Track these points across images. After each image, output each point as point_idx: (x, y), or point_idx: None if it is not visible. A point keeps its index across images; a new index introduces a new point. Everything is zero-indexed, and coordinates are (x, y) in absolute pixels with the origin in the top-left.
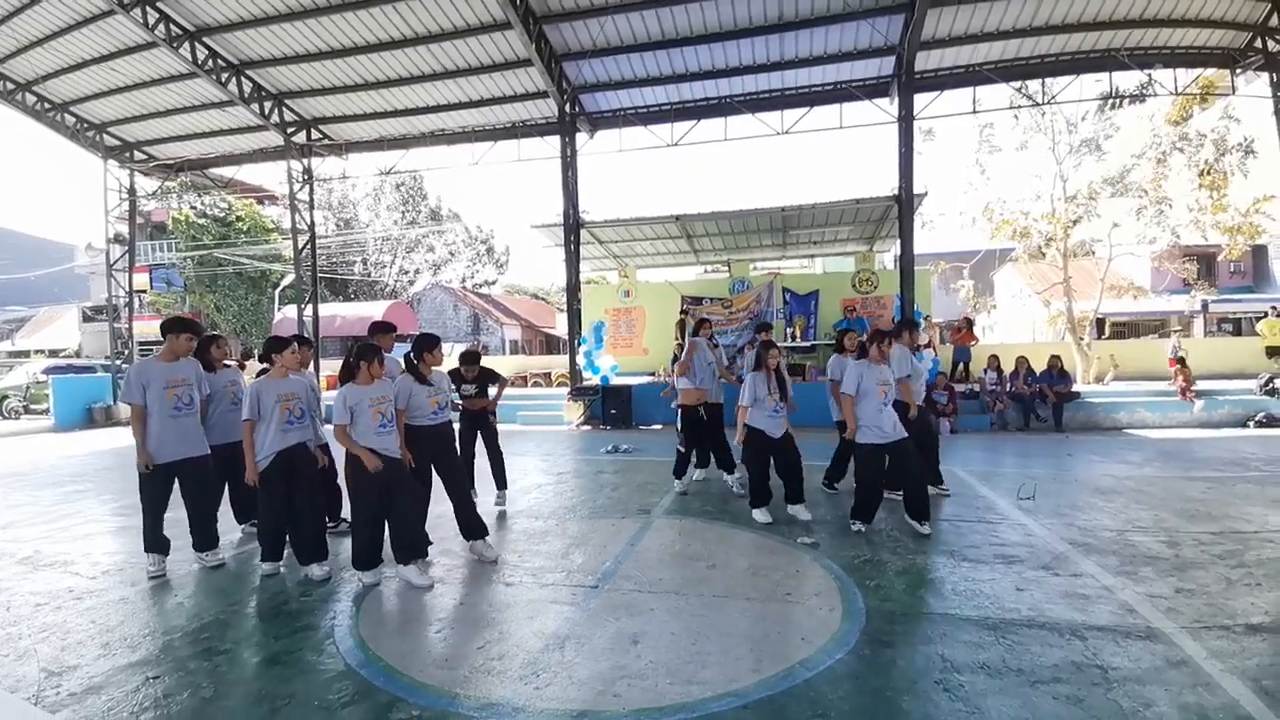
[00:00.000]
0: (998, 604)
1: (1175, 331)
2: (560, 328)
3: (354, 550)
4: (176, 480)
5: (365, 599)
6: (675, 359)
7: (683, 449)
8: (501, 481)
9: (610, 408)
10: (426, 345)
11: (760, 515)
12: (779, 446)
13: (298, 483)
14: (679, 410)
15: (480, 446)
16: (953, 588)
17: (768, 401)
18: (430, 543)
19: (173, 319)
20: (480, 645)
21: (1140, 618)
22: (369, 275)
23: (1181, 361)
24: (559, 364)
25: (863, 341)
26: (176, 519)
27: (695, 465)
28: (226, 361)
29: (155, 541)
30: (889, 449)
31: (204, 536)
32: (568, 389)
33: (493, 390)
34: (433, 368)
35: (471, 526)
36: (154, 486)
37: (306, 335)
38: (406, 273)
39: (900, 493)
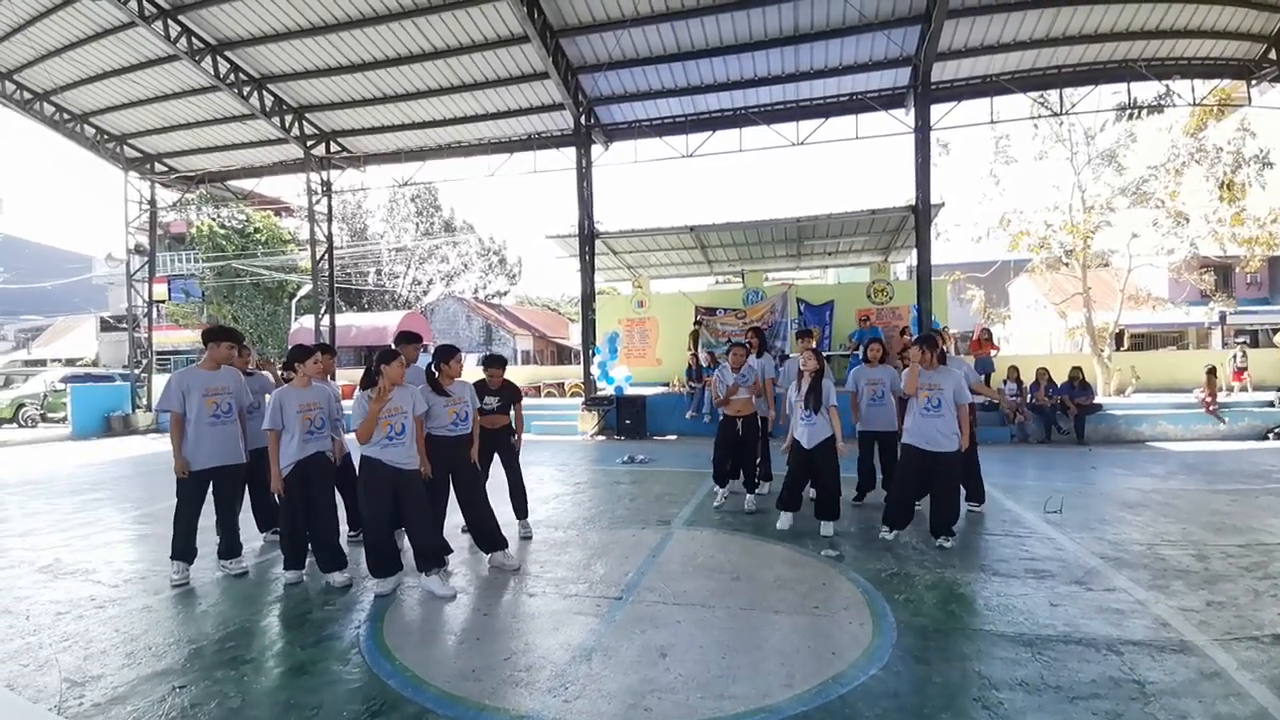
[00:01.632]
0: (1032, 619)
1: (1239, 342)
2: (572, 338)
3: (366, 557)
4: (211, 487)
5: (389, 609)
6: (689, 370)
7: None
8: (521, 510)
9: (625, 418)
10: (444, 356)
11: (780, 522)
12: (808, 456)
13: (316, 491)
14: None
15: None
16: (985, 603)
17: (798, 409)
18: (450, 551)
19: (214, 327)
20: (506, 657)
21: (1174, 631)
22: (383, 286)
23: (1212, 372)
24: (572, 374)
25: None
26: (202, 526)
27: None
28: (249, 369)
29: (184, 549)
30: (928, 456)
31: (229, 544)
32: (582, 399)
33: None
34: (454, 378)
35: (490, 539)
36: (189, 493)
37: (329, 344)
38: (420, 283)
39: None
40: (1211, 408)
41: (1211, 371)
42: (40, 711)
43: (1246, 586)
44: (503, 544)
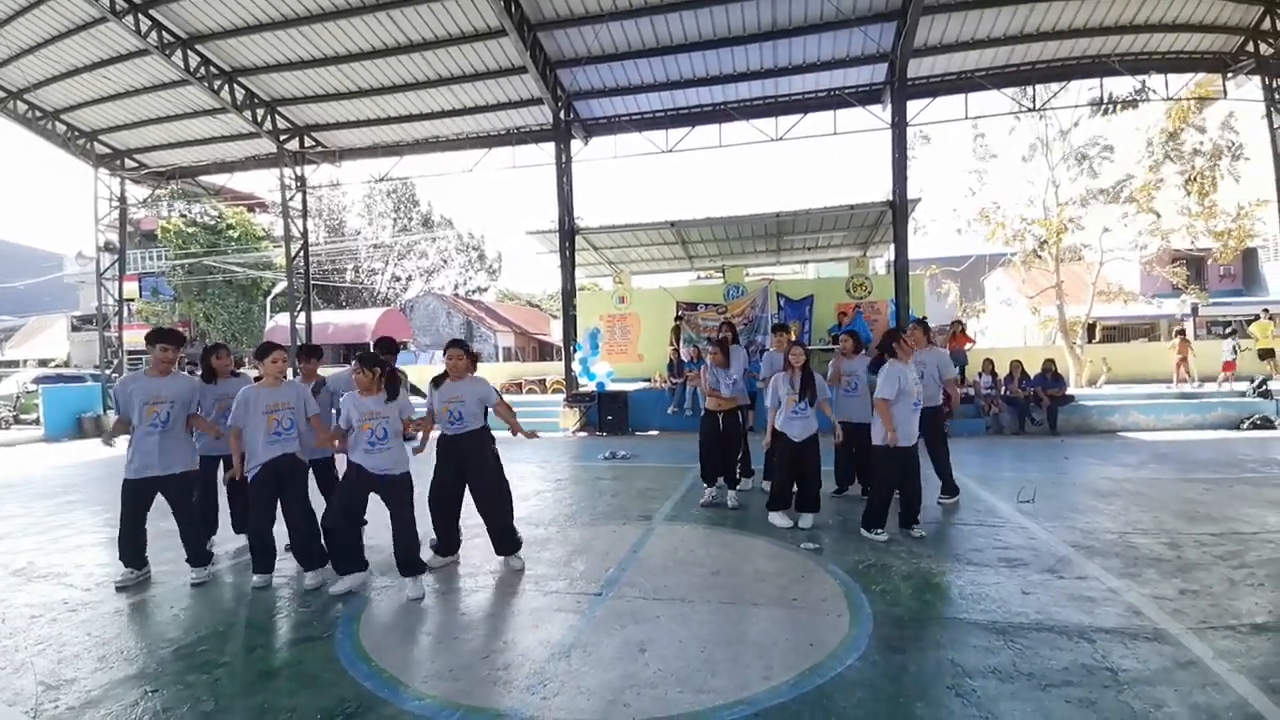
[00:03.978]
0: (1005, 608)
1: (1231, 333)
2: (554, 334)
3: (329, 553)
4: (161, 495)
5: (365, 610)
6: (671, 365)
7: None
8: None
9: (606, 414)
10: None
11: (778, 519)
12: (799, 449)
13: (288, 495)
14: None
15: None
16: (959, 592)
17: (787, 402)
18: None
19: (152, 331)
20: (485, 655)
21: (1147, 619)
22: (361, 282)
23: (1181, 334)
24: (553, 371)
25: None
26: (168, 529)
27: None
28: (236, 370)
29: (125, 552)
30: (909, 454)
31: (192, 552)
32: (563, 396)
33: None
34: (461, 374)
35: (504, 541)
36: (124, 501)
37: (315, 345)
38: (399, 280)
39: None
40: (1182, 367)
41: (1180, 333)
42: (17, 715)
43: (1221, 575)
44: (515, 547)
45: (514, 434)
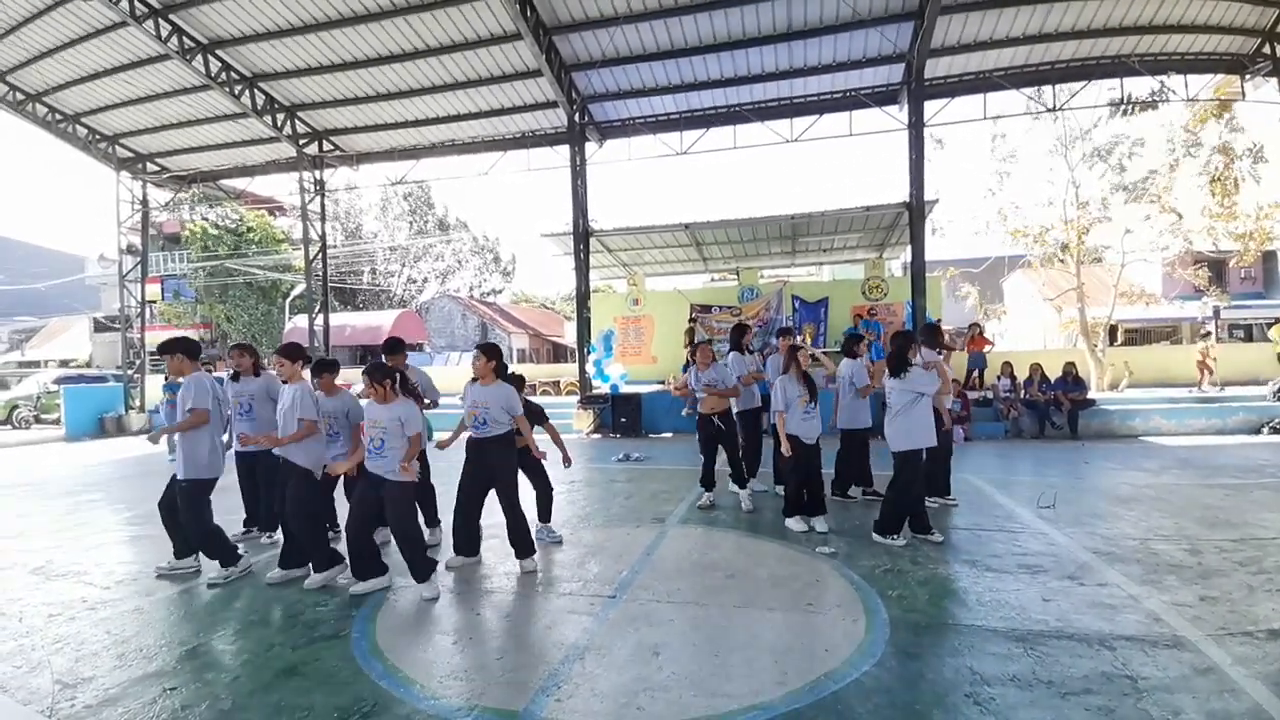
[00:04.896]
0: (1024, 614)
1: None
2: (568, 336)
3: (349, 558)
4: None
5: (381, 609)
6: (686, 366)
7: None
8: (545, 513)
9: (620, 416)
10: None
11: (795, 524)
12: (811, 451)
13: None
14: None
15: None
16: (977, 598)
17: (798, 404)
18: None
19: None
20: (499, 656)
21: (1167, 626)
22: (377, 284)
23: (1206, 336)
24: (567, 372)
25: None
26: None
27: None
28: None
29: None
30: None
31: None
32: (577, 397)
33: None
34: (482, 376)
35: (520, 545)
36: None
37: (330, 359)
38: (414, 281)
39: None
40: (1206, 368)
41: (1205, 335)
42: (32, 714)
43: (1240, 581)
44: (530, 551)
45: (527, 448)
